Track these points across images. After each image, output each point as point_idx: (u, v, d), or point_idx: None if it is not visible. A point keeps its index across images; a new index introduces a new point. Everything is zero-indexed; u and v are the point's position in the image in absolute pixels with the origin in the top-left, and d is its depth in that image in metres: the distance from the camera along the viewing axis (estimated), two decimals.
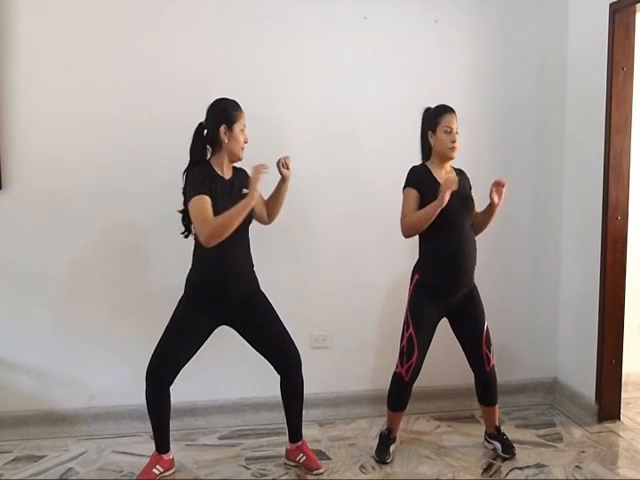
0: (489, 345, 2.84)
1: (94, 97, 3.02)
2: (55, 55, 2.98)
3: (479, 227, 2.85)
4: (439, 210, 2.60)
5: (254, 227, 2.69)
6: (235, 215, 2.44)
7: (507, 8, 3.37)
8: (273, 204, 2.76)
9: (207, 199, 2.46)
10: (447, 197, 2.59)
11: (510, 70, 3.40)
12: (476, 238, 2.85)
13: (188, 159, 2.59)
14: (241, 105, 2.59)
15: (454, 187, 2.60)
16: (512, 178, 3.40)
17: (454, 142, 2.72)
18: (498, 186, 2.74)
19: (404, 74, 3.29)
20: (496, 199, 2.75)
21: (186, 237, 2.63)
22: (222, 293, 2.60)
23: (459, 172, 2.84)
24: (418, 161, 2.86)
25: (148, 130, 3.06)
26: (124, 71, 3.03)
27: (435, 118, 2.75)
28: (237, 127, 2.55)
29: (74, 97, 3.00)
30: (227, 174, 2.61)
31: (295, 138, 3.20)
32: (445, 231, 2.72)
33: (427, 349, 2.80)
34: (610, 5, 3.08)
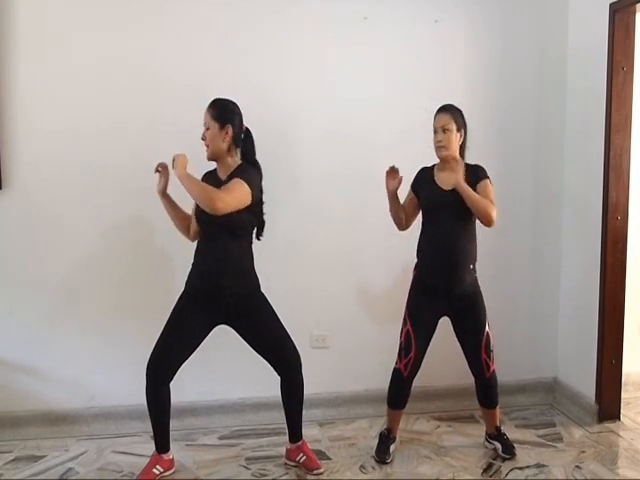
0: (489, 352, 2.83)
1: (93, 99, 3.02)
2: (55, 58, 2.97)
3: (476, 215, 2.73)
4: (390, 197, 2.78)
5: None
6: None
7: (507, 8, 3.37)
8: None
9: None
10: (387, 183, 2.76)
11: (510, 70, 3.40)
12: (477, 237, 2.83)
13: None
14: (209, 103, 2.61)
15: (391, 179, 2.75)
16: (512, 178, 3.44)
17: (438, 141, 2.73)
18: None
19: (404, 74, 3.29)
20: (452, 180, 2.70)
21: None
22: (217, 290, 2.60)
23: (471, 169, 2.76)
24: (418, 160, 2.87)
25: (147, 132, 3.06)
26: (123, 73, 3.03)
27: None
28: None
29: (74, 99, 3.00)
30: (224, 174, 2.63)
31: (294, 139, 3.20)
32: (433, 228, 2.78)
33: (426, 345, 2.81)
34: (610, 5, 3.08)
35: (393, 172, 2.78)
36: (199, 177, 2.64)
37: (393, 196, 2.80)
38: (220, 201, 2.43)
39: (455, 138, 2.73)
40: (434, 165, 2.85)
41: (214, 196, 2.44)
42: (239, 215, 2.52)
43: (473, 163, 2.81)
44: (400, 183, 2.78)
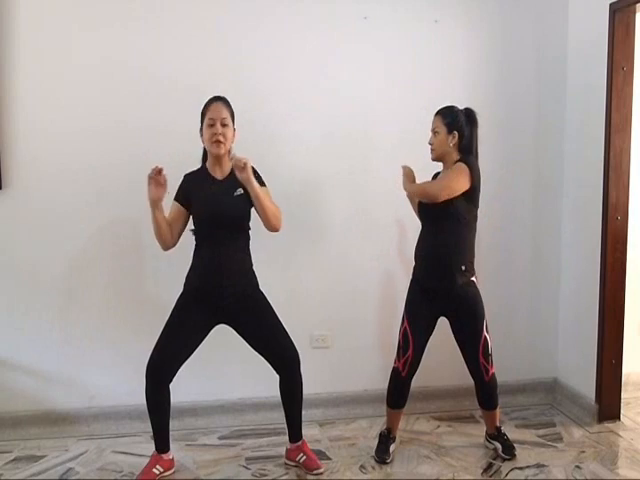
0: (487, 356, 2.81)
1: (93, 100, 3.02)
2: (55, 58, 2.97)
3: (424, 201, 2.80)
4: (411, 198, 2.93)
5: (255, 227, 2.70)
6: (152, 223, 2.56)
7: (507, 8, 3.37)
8: (259, 212, 2.59)
9: (173, 205, 2.64)
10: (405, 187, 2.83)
11: (510, 70, 3.40)
12: (475, 238, 2.82)
13: (186, 161, 2.63)
14: (212, 99, 2.60)
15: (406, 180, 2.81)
16: (512, 178, 3.44)
17: (430, 144, 2.79)
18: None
19: (404, 74, 3.29)
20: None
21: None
22: (217, 290, 2.61)
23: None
24: (418, 160, 2.87)
25: (146, 133, 3.06)
26: (123, 73, 3.03)
27: None
28: (205, 124, 2.56)
29: (74, 99, 3.00)
30: (221, 174, 2.63)
31: (294, 140, 3.20)
32: (424, 229, 2.85)
33: (424, 344, 2.82)
34: (610, 5, 3.08)
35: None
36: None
37: (408, 197, 2.95)
38: (282, 219, 2.58)
39: (444, 140, 2.74)
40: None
41: (279, 216, 2.56)
42: (249, 215, 2.62)
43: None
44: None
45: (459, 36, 3.33)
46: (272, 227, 2.59)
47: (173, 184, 2.64)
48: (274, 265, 3.16)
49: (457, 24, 3.32)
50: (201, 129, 2.60)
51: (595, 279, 3.22)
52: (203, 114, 2.59)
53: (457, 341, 2.86)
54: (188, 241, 2.69)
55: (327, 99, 3.23)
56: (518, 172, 3.45)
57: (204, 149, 2.67)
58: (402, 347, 2.81)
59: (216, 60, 3.10)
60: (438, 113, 2.78)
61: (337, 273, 3.32)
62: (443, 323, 2.85)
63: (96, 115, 3.02)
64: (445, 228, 2.73)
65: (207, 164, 2.65)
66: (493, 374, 2.85)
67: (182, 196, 2.64)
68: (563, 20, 3.42)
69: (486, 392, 2.88)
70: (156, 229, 2.55)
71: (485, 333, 2.80)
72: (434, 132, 2.77)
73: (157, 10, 3.05)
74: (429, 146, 2.78)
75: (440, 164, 2.84)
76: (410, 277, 2.90)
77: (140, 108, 3.05)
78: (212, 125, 2.53)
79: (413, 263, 2.89)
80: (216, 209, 2.56)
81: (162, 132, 3.05)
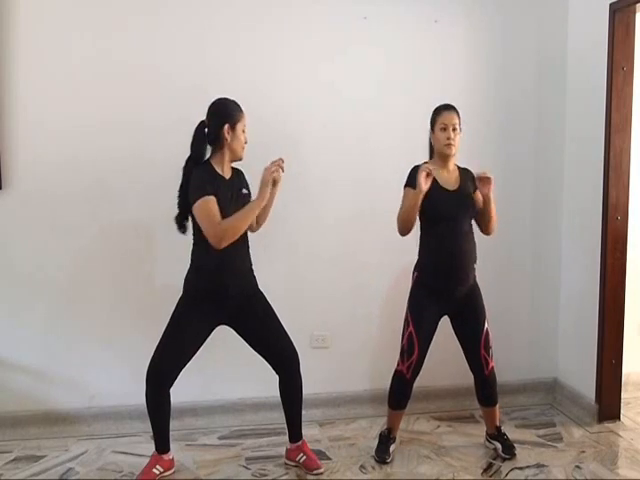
0: (488, 348, 2.83)
1: (93, 100, 3.02)
2: (55, 57, 2.97)
3: (483, 225, 2.82)
4: (420, 197, 2.61)
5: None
6: (245, 216, 2.52)
7: (507, 8, 3.37)
8: (262, 210, 2.65)
9: (214, 200, 2.49)
10: (422, 182, 2.58)
11: (510, 70, 3.41)
12: (476, 238, 2.83)
13: (187, 156, 2.61)
14: (240, 106, 2.61)
15: (425, 179, 2.59)
16: (512, 178, 3.44)
17: (449, 139, 2.69)
18: (482, 180, 2.71)
19: (404, 74, 3.29)
20: (484, 191, 2.70)
21: (183, 233, 2.62)
22: (220, 292, 2.60)
23: (464, 171, 2.80)
24: (418, 161, 2.86)
25: (147, 131, 3.06)
26: (124, 74, 3.03)
27: (433, 117, 2.77)
28: (239, 127, 2.58)
29: (74, 99, 3.00)
30: (227, 173, 2.62)
31: (294, 139, 3.20)
32: (440, 231, 2.75)
33: (428, 347, 2.81)
34: (610, 5, 3.08)
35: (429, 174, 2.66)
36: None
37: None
38: None
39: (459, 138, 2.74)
40: (425, 163, 2.78)
41: None
42: None
43: (462, 166, 2.82)
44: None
45: (459, 36, 3.34)
46: (258, 228, 2.81)
47: (174, 184, 2.62)
48: (274, 265, 3.15)
49: (457, 24, 3.32)
50: (231, 128, 2.54)
51: (595, 279, 3.22)
52: (235, 117, 2.56)
53: (459, 335, 2.86)
54: (187, 240, 2.68)
55: (326, 98, 3.23)
56: (518, 172, 3.46)
57: (202, 145, 2.60)
58: (406, 351, 2.79)
59: (216, 60, 3.10)
60: (455, 110, 2.73)
61: (337, 273, 3.32)
62: (443, 322, 2.85)
63: (96, 115, 3.02)
64: (464, 229, 2.75)
65: (213, 162, 2.61)
66: (492, 368, 2.86)
67: (214, 192, 2.52)
68: (563, 20, 3.42)
69: (486, 387, 2.88)
70: (247, 225, 2.57)
71: (487, 325, 2.82)
72: (455, 128, 2.70)
73: (157, 10, 3.05)
74: (447, 141, 2.70)
75: (420, 157, 2.81)
76: (410, 277, 2.88)
77: (140, 108, 3.05)
78: (244, 131, 2.61)
79: (413, 263, 2.88)
80: (231, 209, 2.54)
81: (163, 132, 3.05)
